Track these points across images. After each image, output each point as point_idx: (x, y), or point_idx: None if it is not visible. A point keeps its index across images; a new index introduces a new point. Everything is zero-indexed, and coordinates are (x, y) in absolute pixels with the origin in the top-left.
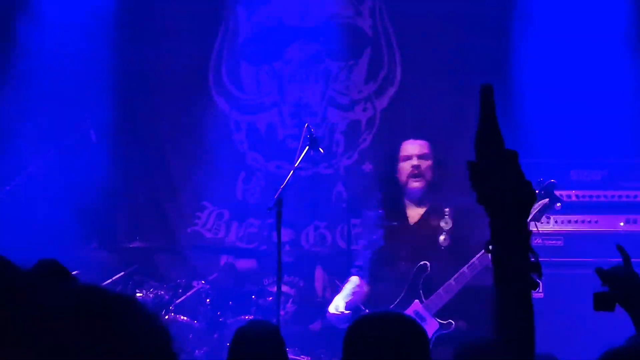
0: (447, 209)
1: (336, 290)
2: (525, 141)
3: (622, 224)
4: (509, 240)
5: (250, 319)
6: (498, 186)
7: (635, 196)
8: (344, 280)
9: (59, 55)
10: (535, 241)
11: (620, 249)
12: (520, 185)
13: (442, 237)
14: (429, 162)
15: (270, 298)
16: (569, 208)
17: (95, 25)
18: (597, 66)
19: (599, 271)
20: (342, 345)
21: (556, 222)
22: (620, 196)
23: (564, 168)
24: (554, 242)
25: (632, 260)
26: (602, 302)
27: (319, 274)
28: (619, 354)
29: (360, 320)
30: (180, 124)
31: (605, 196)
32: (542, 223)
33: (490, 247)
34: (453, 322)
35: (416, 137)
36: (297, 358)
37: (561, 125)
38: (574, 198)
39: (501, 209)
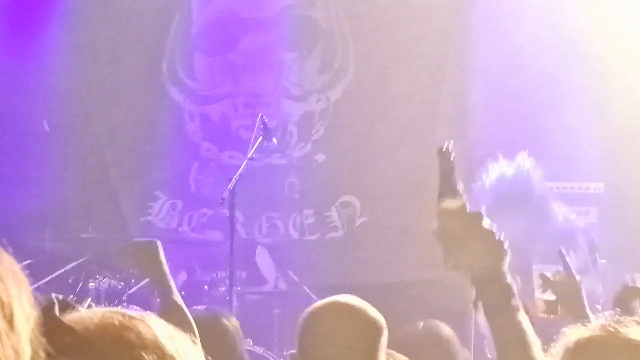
0: None
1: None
2: (477, 133)
3: (574, 215)
4: (493, 299)
5: (205, 308)
6: (469, 252)
7: (587, 188)
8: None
9: (11, 43)
10: None
11: (562, 256)
12: (490, 246)
13: None
14: None
15: (223, 288)
16: None
17: (48, 15)
18: (551, 57)
19: (542, 277)
20: (297, 334)
21: None
22: (572, 188)
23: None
24: None
25: (588, 252)
26: (547, 307)
27: (260, 257)
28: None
29: (312, 309)
30: (134, 114)
31: (557, 188)
32: None
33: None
34: None
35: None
36: (251, 349)
37: (513, 117)
38: None
39: (477, 273)
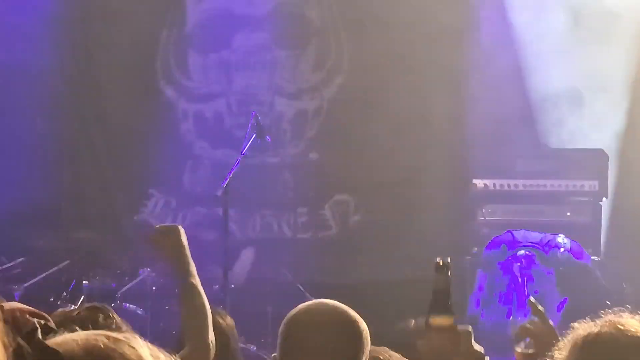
0: None
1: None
2: (471, 130)
3: (568, 213)
4: None
5: None
6: None
7: (582, 186)
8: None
9: (4, 41)
10: (482, 231)
11: (533, 305)
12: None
13: None
14: None
15: (217, 286)
16: (515, 198)
17: (41, 13)
18: (546, 54)
19: (521, 328)
20: (279, 338)
21: (503, 211)
22: (567, 186)
23: (511, 157)
24: (500, 231)
25: (579, 250)
26: (525, 358)
27: (246, 256)
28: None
29: (294, 312)
30: (128, 112)
31: (552, 186)
32: (489, 212)
33: None
34: None
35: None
36: (244, 347)
37: (509, 115)
38: (520, 187)
39: None
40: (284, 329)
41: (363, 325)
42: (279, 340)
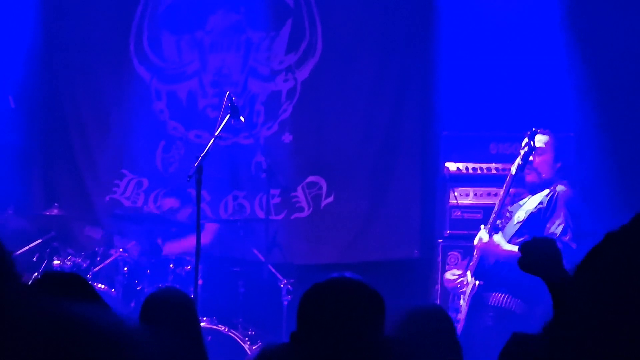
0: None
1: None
2: (446, 113)
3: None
4: None
5: (160, 287)
6: None
7: None
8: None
9: None
10: (455, 214)
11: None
12: None
13: None
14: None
15: (189, 267)
16: (489, 180)
17: None
18: (521, 37)
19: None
20: (297, 311)
21: (475, 194)
22: None
23: (483, 141)
24: (473, 214)
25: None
26: None
27: (209, 228)
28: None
29: (314, 287)
30: (101, 92)
31: None
32: (461, 196)
33: None
34: (476, 282)
35: None
36: (215, 327)
37: (482, 98)
38: (493, 171)
39: None
40: (305, 303)
41: (381, 296)
42: (298, 317)
